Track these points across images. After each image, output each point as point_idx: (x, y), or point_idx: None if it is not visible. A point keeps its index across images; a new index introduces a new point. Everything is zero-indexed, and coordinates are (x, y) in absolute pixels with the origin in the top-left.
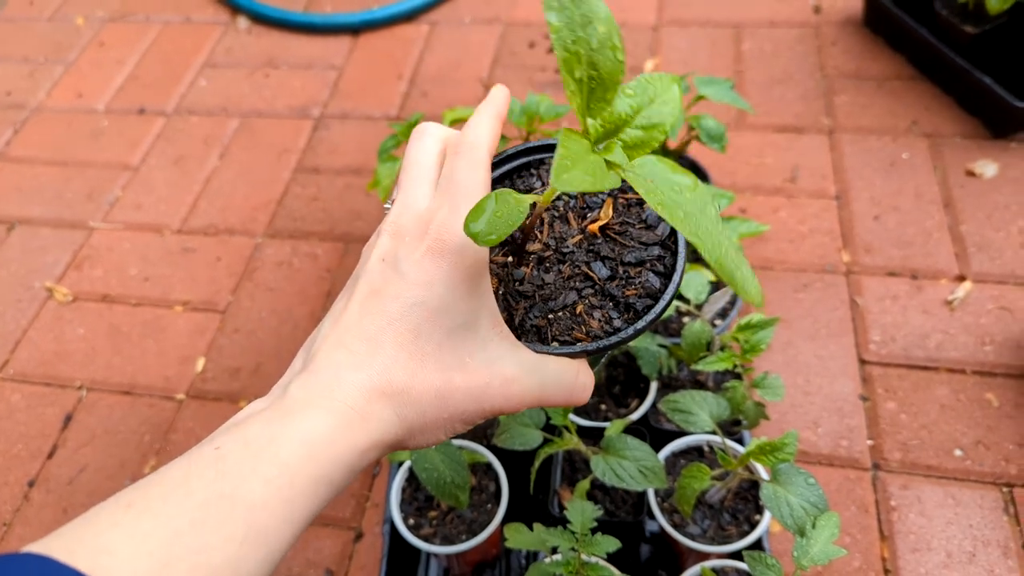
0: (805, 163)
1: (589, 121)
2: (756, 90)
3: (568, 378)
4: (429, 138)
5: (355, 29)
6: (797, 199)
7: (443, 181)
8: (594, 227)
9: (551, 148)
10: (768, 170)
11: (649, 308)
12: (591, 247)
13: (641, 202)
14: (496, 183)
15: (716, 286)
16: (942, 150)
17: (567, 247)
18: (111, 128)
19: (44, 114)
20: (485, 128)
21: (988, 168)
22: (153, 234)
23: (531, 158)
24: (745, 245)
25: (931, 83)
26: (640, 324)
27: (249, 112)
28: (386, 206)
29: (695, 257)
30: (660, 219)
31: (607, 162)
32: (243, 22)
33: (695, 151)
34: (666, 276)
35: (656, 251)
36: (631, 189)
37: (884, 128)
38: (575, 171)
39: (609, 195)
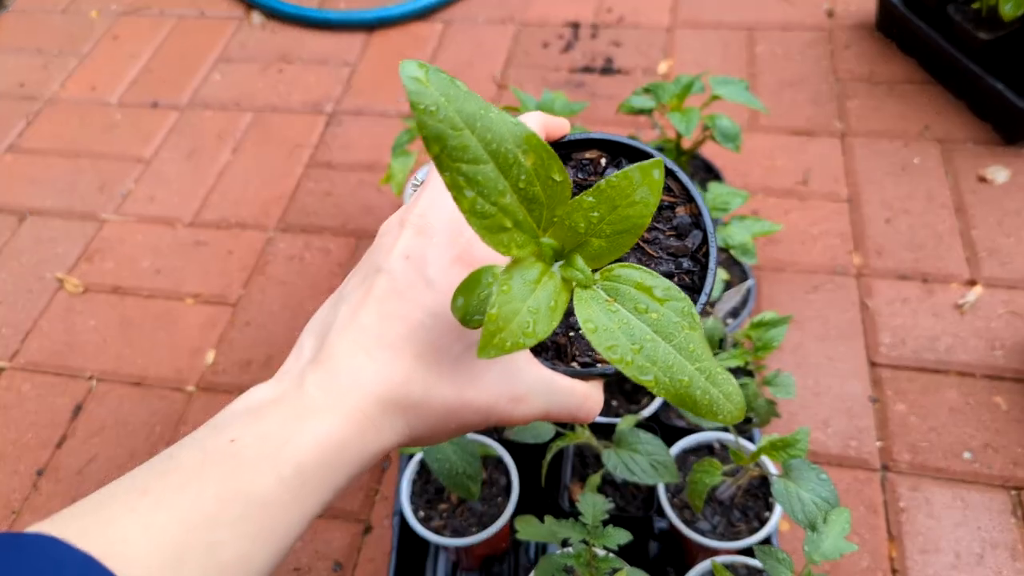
0: (817, 166)
1: (544, 240)
2: (769, 93)
3: (575, 400)
4: None
5: (369, 26)
6: (809, 201)
7: None
8: None
9: (589, 144)
10: (780, 172)
11: None
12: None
13: (672, 205)
14: None
15: (729, 284)
16: (954, 155)
17: None
18: (124, 121)
19: (57, 106)
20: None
21: (1000, 174)
22: (165, 227)
23: (564, 152)
24: (757, 246)
25: (943, 88)
26: None
27: (263, 107)
28: (414, 181)
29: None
30: (691, 227)
31: (566, 280)
32: (257, 17)
33: (708, 151)
34: (694, 291)
35: (685, 263)
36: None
37: (896, 132)
38: (509, 328)
39: None
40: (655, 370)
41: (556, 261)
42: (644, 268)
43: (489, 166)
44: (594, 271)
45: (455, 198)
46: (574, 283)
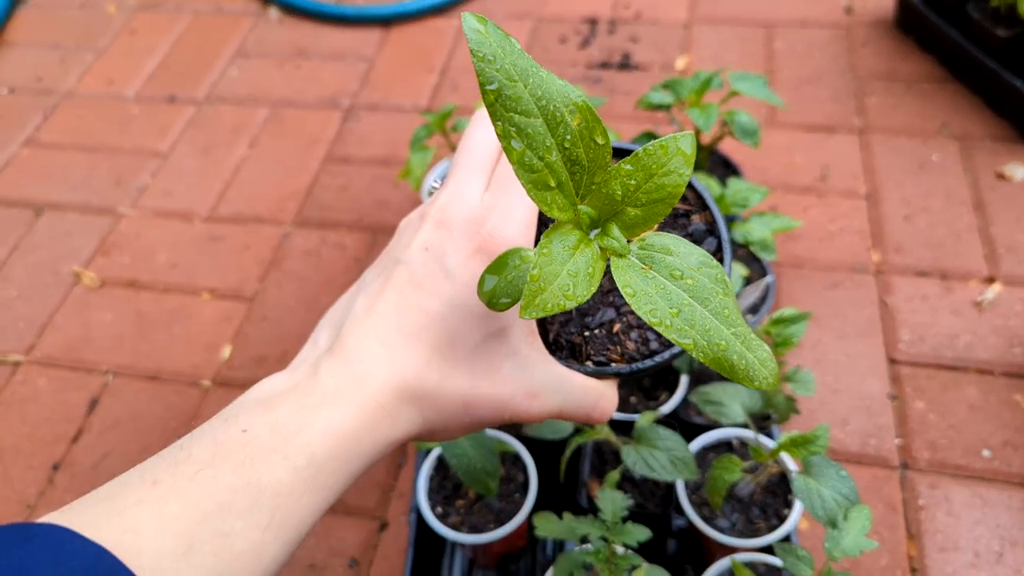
0: (836, 162)
1: (581, 208)
2: (787, 89)
3: (590, 399)
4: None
5: (386, 21)
6: (827, 198)
7: (499, 178)
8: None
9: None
10: (799, 169)
11: None
12: None
13: (688, 213)
14: None
15: (748, 281)
16: (972, 152)
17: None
18: (141, 115)
19: (74, 100)
20: None
21: (1018, 171)
22: (181, 221)
23: None
24: (776, 242)
25: (962, 85)
26: (676, 348)
27: (279, 102)
28: (434, 184)
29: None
30: (706, 234)
31: (602, 249)
32: (274, 12)
33: (727, 147)
34: None
35: None
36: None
37: (914, 129)
38: (550, 289)
39: None
40: (693, 333)
41: (592, 230)
42: (676, 236)
43: (539, 121)
44: (628, 241)
45: (505, 148)
46: (609, 252)
